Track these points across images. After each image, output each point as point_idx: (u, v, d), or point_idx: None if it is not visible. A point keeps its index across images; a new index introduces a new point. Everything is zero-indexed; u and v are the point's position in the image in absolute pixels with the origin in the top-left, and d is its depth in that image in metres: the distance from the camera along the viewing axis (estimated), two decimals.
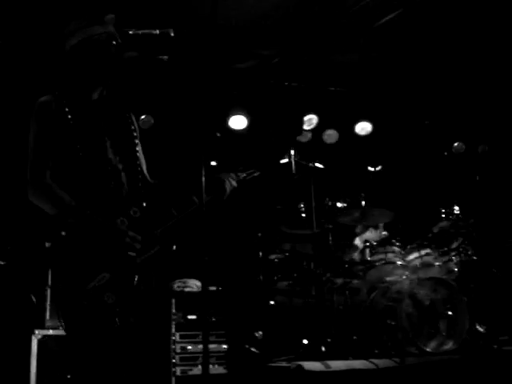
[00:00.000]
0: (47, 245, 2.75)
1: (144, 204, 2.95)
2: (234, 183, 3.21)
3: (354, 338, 5.91)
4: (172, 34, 3.17)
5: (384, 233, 6.93)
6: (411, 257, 6.40)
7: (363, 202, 6.41)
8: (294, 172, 6.03)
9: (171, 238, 3.00)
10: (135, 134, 3.10)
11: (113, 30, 3.02)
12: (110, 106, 3.08)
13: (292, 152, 6.04)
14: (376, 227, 7.01)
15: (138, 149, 3.08)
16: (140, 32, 3.12)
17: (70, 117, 2.88)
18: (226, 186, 3.16)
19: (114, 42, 2.99)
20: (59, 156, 2.85)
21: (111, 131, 2.99)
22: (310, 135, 8.12)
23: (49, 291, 5.55)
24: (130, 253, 2.79)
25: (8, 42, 5.36)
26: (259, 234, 6.66)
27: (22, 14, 5.68)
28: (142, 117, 6.82)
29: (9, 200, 6.30)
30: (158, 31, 3.13)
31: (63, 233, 2.74)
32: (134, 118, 3.17)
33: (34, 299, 5.82)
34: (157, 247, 2.90)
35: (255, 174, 3.37)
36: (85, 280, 2.68)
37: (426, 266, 6.27)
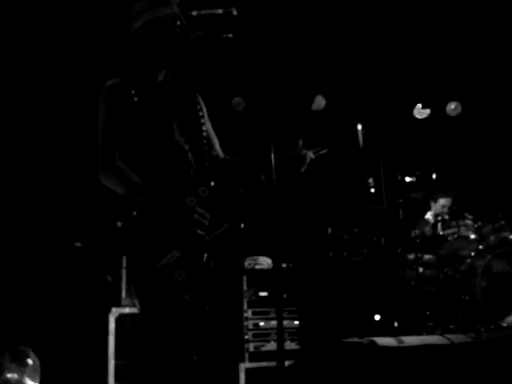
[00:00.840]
0: (119, 224, 2.81)
1: (212, 183, 2.96)
2: (312, 155, 3.20)
3: (428, 313, 5.83)
4: (235, 13, 3.16)
5: (448, 207, 6.78)
6: (485, 230, 6.25)
7: (434, 175, 6.28)
8: (361, 145, 5.96)
9: (240, 216, 3.02)
10: (201, 114, 3.11)
11: (177, 10, 3.02)
12: (175, 87, 3.10)
13: (359, 126, 5.97)
14: (443, 202, 6.86)
15: (204, 128, 3.08)
16: (203, 12, 3.13)
17: (136, 99, 2.91)
18: (305, 158, 3.15)
19: (179, 23, 2.99)
20: (127, 138, 2.90)
21: (177, 112, 3.01)
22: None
23: (124, 271, 5.67)
24: (198, 231, 2.82)
25: (72, 22, 5.44)
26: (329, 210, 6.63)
27: None
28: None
29: (82, 182, 6.46)
30: (220, 11, 3.13)
31: (134, 212, 2.81)
32: (200, 98, 3.18)
33: (110, 279, 5.98)
34: (225, 226, 2.92)
35: (323, 151, 3.34)
36: (155, 258, 2.74)
37: (500, 239, 6.11)
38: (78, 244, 6.22)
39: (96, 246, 6.19)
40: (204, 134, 3.07)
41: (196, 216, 2.81)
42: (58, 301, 5.89)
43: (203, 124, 3.09)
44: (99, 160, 2.88)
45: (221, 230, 2.90)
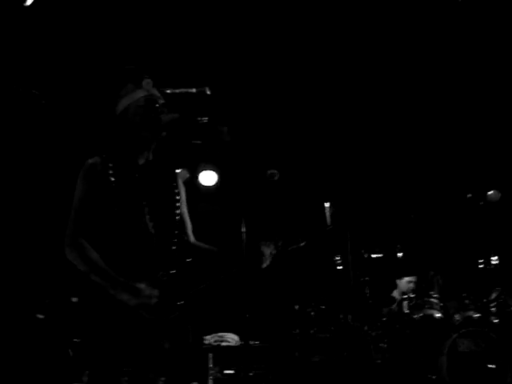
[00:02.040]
0: (74, 300, 2.86)
1: (173, 269, 2.98)
2: (274, 251, 3.18)
3: None
4: (208, 92, 3.25)
5: (412, 285, 6.84)
6: (450, 309, 6.30)
7: (399, 254, 6.36)
8: (328, 224, 6.03)
9: (200, 303, 3.02)
10: (178, 198, 3.15)
11: (153, 92, 3.10)
12: (154, 169, 3.14)
13: (326, 204, 6.06)
14: (408, 280, 6.92)
15: (178, 212, 3.11)
16: (177, 91, 3.22)
17: (112, 179, 2.96)
18: (264, 256, 3.14)
19: (157, 105, 3.06)
20: (98, 216, 2.94)
21: (151, 196, 3.03)
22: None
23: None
24: (144, 314, 2.82)
25: (54, 102, 5.58)
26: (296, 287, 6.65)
27: (69, 76, 5.94)
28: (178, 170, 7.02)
29: (48, 254, 6.42)
30: (194, 90, 3.22)
31: (86, 291, 2.86)
32: (180, 181, 3.23)
33: (71, 353, 5.85)
34: (176, 313, 2.92)
35: (301, 245, 3.36)
36: (106, 346, 2.77)
37: (465, 317, 6.17)
38: (40, 316, 6.11)
39: (59, 318, 6.08)
40: (177, 217, 3.09)
41: (144, 299, 2.81)
42: (20, 376, 5.73)
43: (177, 208, 3.12)
44: (67, 233, 2.92)
45: (171, 317, 2.90)
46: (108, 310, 2.82)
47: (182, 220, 3.15)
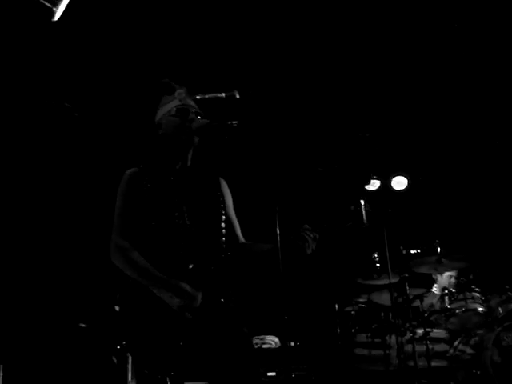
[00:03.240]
0: (116, 308, 2.90)
1: (213, 267, 3.03)
2: (317, 235, 3.18)
3: None
4: (238, 96, 3.27)
5: (462, 278, 6.75)
6: (492, 302, 6.21)
7: (438, 249, 6.29)
8: (365, 222, 5.97)
9: (247, 297, 3.04)
10: (221, 199, 3.25)
11: (186, 102, 3.20)
12: (194, 174, 3.27)
13: (362, 202, 6.00)
14: (449, 275, 6.85)
15: (223, 212, 3.21)
16: (207, 96, 3.25)
17: (149, 185, 3.11)
18: (309, 243, 3.14)
19: (188, 113, 3.19)
20: (138, 222, 3.07)
21: (190, 197, 3.14)
22: (378, 183, 8.07)
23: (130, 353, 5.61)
24: (187, 315, 2.85)
25: (86, 115, 5.69)
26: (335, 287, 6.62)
27: (100, 89, 6.05)
28: None
29: (90, 262, 6.51)
30: (223, 94, 3.25)
31: (132, 295, 2.92)
32: (222, 185, 3.34)
33: (116, 360, 5.91)
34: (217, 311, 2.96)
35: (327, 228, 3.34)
36: (151, 349, 2.79)
37: (508, 310, 6.07)
38: (82, 325, 6.19)
39: (100, 327, 6.15)
40: (223, 217, 3.19)
41: (187, 300, 2.87)
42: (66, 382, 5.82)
43: (221, 208, 3.21)
44: (111, 240, 3.05)
45: (212, 315, 2.93)
46: (151, 312, 2.85)
47: (228, 222, 3.24)
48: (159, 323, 2.84)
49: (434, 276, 7.02)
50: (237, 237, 3.30)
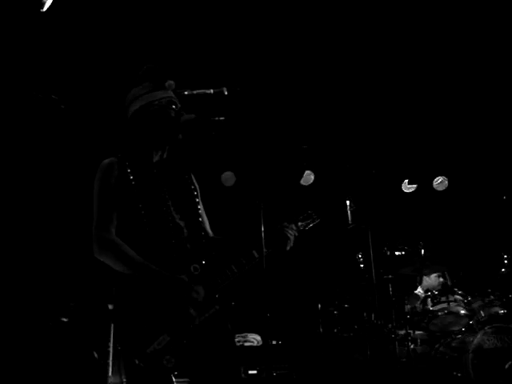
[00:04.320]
0: (110, 307, 2.81)
1: (203, 261, 2.96)
2: (296, 233, 3.18)
3: None
4: (226, 93, 3.25)
5: (442, 280, 6.78)
6: (474, 305, 6.24)
7: (422, 251, 6.31)
8: (350, 222, 5.98)
9: (231, 296, 3.00)
10: (195, 193, 3.16)
11: (172, 94, 3.13)
12: (170, 167, 3.17)
13: (348, 202, 6.00)
14: (437, 276, 6.87)
15: (199, 207, 3.14)
16: (195, 92, 3.22)
17: (131, 177, 2.99)
18: (288, 238, 3.13)
19: (174, 107, 3.10)
20: (122, 215, 2.94)
21: (172, 191, 3.07)
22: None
23: (111, 348, 5.58)
24: (191, 311, 2.80)
25: (71, 106, 5.64)
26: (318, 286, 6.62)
27: (86, 81, 5.98)
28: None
29: (71, 257, 6.46)
30: (212, 91, 3.22)
31: (125, 291, 2.80)
32: (193, 178, 3.24)
33: (96, 355, 5.87)
34: (216, 308, 2.90)
35: (316, 222, 3.33)
36: (145, 343, 2.72)
37: (490, 314, 6.10)
38: (64, 319, 6.14)
39: (82, 322, 6.11)
40: (199, 211, 3.12)
41: (194, 294, 2.81)
42: (44, 376, 5.77)
43: (198, 203, 3.14)
44: (93, 233, 2.90)
45: (211, 311, 2.88)
46: (151, 309, 2.76)
47: (201, 215, 3.16)
48: (161, 320, 2.76)
49: (418, 278, 7.03)
50: (207, 231, 3.21)
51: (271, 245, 3.05)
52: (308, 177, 7.86)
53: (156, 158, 3.14)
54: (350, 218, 5.71)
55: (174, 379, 2.76)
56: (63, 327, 6.07)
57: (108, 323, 5.60)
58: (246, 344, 6.07)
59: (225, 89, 3.25)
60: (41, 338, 5.97)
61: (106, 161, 3.04)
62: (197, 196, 3.16)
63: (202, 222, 3.13)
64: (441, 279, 6.83)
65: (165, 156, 3.17)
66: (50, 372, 5.79)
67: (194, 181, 3.24)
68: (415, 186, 8.21)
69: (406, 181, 8.16)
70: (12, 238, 6.38)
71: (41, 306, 6.19)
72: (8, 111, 6.03)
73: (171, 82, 3.14)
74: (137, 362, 2.69)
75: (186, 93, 3.26)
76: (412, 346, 6.03)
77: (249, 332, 6.19)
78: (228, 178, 7.55)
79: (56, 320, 6.09)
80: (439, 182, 8.20)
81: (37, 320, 6.08)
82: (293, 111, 7.17)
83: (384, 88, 7.05)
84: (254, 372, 5.83)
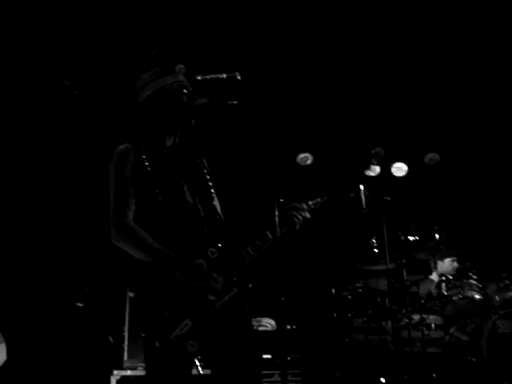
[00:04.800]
0: (131, 295, 2.82)
1: (220, 245, 2.96)
2: (306, 214, 3.18)
3: (434, 375, 5.75)
4: (239, 78, 3.23)
5: (457, 265, 6.73)
6: (489, 290, 6.21)
7: (437, 235, 6.28)
8: (364, 207, 5.96)
9: (248, 278, 3.01)
10: (208, 177, 3.17)
11: (183, 79, 3.13)
12: (182, 151, 3.17)
13: (361, 187, 5.98)
14: (451, 260, 6.83)
15: (212, 190, 3.14)
16: (208, 77, 3.20)
17: (147, 163, 2.99)
18: (296, 217, 3.12)
19: (185, 91, 3.09)
20: (140, 200, 2.95)
21: (187, 175, 3.08)
22: (378, 169, 8.04)
23: (127, 332, 5.61)
24: (210, 297, 2.81)
25: (85, 93, 5.64)
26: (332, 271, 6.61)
27: (98, 67, 5.99)
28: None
29: (86, 243, 6.50)
30: (225, 75, 3.21)
31: (145, 278, 2.81)
32: (205, 162, 3.24)
33: (112, 340, 5.92)
34: (234, 290, 2.91)
35: (325, 199, 3.32)
36: (168, 329, 2.73)
37: (505, 299, 6.07)
38: (79, 304, 6.19)
39: (97, 307, 6.15)
40: (213, 195, 3.13)
41: (211, 282, 2.81)
42: (59, 361, 5.82)
43: (211, 187, 3.14)
44: (111, 219, 2.91)
45: (231, 294, 2.89)
46: (172, 295, 2.78)
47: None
48: (182, 305, 2.77)
49: (432, 262, 6.99)
50: (221, 215, 3.20)
51: (282, 224, 3.04)
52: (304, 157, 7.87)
53: (169, 143, 3.15)
54: (363, 203, 5.69)
55: (197, 363, 2.77)
56: (79, 312, 6.11)
57: (123, 308, 5.64)
58: (261, 328, 6.08)
59: (237, 73, 3.24)
60: (57, 323, 6.02)
61: (121, 147, 3.05)
62: (210, 180, 3.16)
63: (216, 206, 3.13)
64: (455, 264, 6.78)
65: (177, 140, 3.18)
66: (65, 357, 5.84)
67: (206, 164, 3.24)
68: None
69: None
70: (28, 224, 6.42)
71: (56, 292, 6.24)
72: (22, 98, 6.05)
73: (181, 66, 3.13)
74: (160, 346, 2.70)
75: (198, 78, 3.24)
76: (426, 331, 6.00)
77: (263, 316, 6.20)
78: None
79: (71, 305, 6.13)
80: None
81: (53, 305, 6.13)
82: (306, 96, 7.15)
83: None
84: (269, 356, 5.84)
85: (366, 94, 7.44)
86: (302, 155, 7.89)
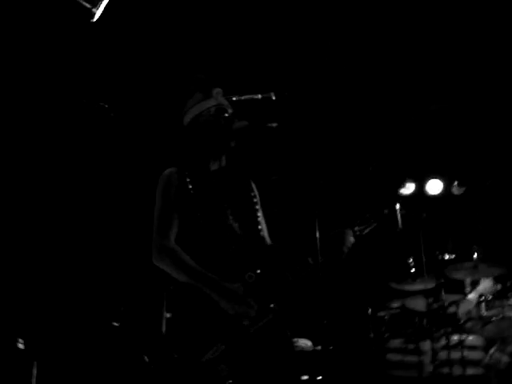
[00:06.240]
0: (168, 315, 2.84)
1: (258, 270, 2.95)
2: (353, 239, 3.14)
3: None
4: (274, 98, 3.25)
5: (499, 286, 6.61)
6: None
7: (475, 255, 6.18)
8: (399, 226, 5.91)
9: (287, 305, 2.98)
10: (255, 201, 3.18)
11: (222, 101, 3.15)
12: (229, 175, 3.20)
13: (397, 205, 5.94)
14: (490, 280, 6.70)
15: (259, 214, 3.15)
16: (243, 97, 3.23)
17: (190, 187, 3.03)
18: (345, 244, 3.09)
19: (226, 114, 3.11)
20: (182, 223, 2.99)
21: (231, 199, 3.09)
22: (413, 187, 7.98)
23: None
24: (244, 322, 2.80)
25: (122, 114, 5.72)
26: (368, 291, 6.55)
27: (140, 90, 6.07)
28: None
29: (123, 262, 6.54)
30: (260, 96, 3.22)
31: (183, 300, 2.82)
32: (254, 186, 3.26)
33: (147, 359, 5.92)
34: (269, 316, 2.88)
35: (373, 226, 3.28)
36: (200, 352, 2.74)
37: None
38: (115, 324, 6.21)
39: (134, 326, 6.17)
40: (259, 219, 3.14)
41: (245, 307, 2.80)
42: (95, 381, 5.84)
43: (257, 210, 3.16)
44: (154, 241, 2.95)
45: (265, 320, 2.87)
46: (206, 318, 2.79)
47: (261, 222, 3.17)
48: (216, 329, 2.77)
49: (469, 282, 6.87)
50: (265, 239, 3.19)
51: (326, 252, 3.03)
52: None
53: (214, 167, 3.18)
54: (399, 222, 5.64)
55: None
56: (114, 331, 6.14)
57: (159, 328, 5.65)
58: (296, 350, 6.03)
59: (272, 93, 3.25)
60: (92, 342, 6.05)
61: (167, 171, 3.12)
62: (256, 203, 3.17)
63: (262, 230, 3.13)
64: (494, 283, 6.66)
65: (223, 164, 3.21)
66: (100, 376, 5.86)
67: (254, 188, 3.25)
68: (464, 187, 8.06)
69: (456, 183, 8.00)
70: (67, 242, 6.48)
71: (93, 311, 6.28)
72: (61, 119, 6.14)
73: (219, 90, 3.17)
74: (191, 369, 2.70)
75: (234, 99, 3.27)
76: (465, 352, 5.89)
77: (299, 337, 6.16)
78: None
79: (107, 324, 6.16)
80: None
81: (89, 324, 6.17)
82: (340, 115, 7.13)
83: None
84: (306, 377, 5.78)
85: (397, 113, 7.39)
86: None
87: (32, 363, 5.36)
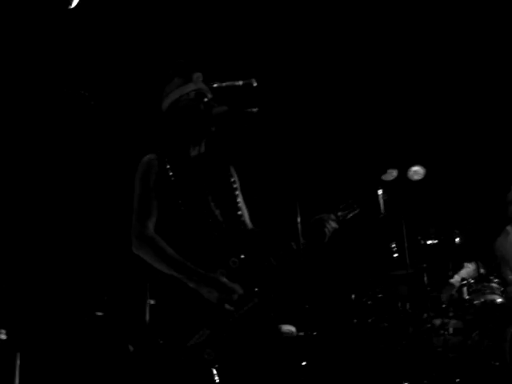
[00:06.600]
0: (151, 302, 2.84)
1: (242, 255, 2.95)
2: (335, 224, 3.14)
3: (457, 380, 5.69)
4: (255, 84, 3.23)
5: (482, 270, 6.66)
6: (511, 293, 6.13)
7: (457, 239, 6.22)
8: (382, 212, 5.93)
9: (271, 289, 2.98)
10: (235, 186, 3.17)
11: (202, 86, 3.13)
12: (208, 161, 3.18)
13: (380, 191, 5.96)
14: (473, 264, 6.75)
15: (238, 200, 3.14)
16: (224, 84, 3.21)
17: (171, 173, 3.01)
18: (327, 228, 3.09)
19: (206, 99, 3.09)
20: (162, 210, 2.96)
21: (211, 185, 3.08)
22: (395, 173, 7.99)
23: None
24: (226, 306, 2.80)
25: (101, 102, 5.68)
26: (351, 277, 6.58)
27: (115, 77, 6.02)
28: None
29: (105, 251, 6.51)
30: (241, 82, 3.21)
31: (166, 286, 2.81)
32: (233, 171, 3.24)
33: (132, 348, 5.92)
34: (255, 300, 2.89)
35: (356, 211, 3.28)
36: (185, 337, 2.73)
37: None
38: (98, 313, 6.20)
39: (118, 316, 6.16)
40: (239, 205, 3.12)
41: (226, 292, 2.80)
42: (79, 371, 5.83)
43: (237, 196, 3.14)
44: (133, 229, 2.93)
45: (250, 304, 2.87)
46: (190, 305, 2.79)
47: (241, 208, 3.16)
48: (200, 314, 2.77)
49: (452, 266, 6.92)
50: (246, 224, 3.19)
51: (309, 237, 3.03)
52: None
53: (194, 153, 3.15)
54: (382, 208, 5.65)
55: (214, 372, 2.76)
56: (98, 321, 6.12)
57: (143, 316, 5.64)
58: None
59: (254, 80, 3.24)
60: (76, 333, 6.03)
61: (146, 158, 3.08)
62: (236, 189, 3.16)
63: (242, 216, 3.12)
64: (476, 267, 6.71)
65: (202, 150, 3.19)
66: (85, 366, 5.85)
67: (234, 174, 3.24)
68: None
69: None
70: (46, 233, 6.44)
71: (76, 301, 6.26)
72: (40, 108, 6.08)
73: (198, 74, 3.14)
74: (176, 354, 2.70)
75: (214, 85, 3.25)
76: (448, 336, 5.95)
77: (283, 323, 6.17)
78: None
79: (91, 314, 6.14)
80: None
81: (72, 314, 6.15)
82: (322, 102, 7.14)
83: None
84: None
85: (380, 99, 7.41)
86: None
87: (15, 354, 5.34)
